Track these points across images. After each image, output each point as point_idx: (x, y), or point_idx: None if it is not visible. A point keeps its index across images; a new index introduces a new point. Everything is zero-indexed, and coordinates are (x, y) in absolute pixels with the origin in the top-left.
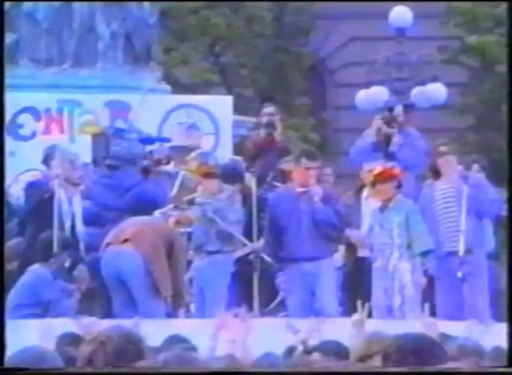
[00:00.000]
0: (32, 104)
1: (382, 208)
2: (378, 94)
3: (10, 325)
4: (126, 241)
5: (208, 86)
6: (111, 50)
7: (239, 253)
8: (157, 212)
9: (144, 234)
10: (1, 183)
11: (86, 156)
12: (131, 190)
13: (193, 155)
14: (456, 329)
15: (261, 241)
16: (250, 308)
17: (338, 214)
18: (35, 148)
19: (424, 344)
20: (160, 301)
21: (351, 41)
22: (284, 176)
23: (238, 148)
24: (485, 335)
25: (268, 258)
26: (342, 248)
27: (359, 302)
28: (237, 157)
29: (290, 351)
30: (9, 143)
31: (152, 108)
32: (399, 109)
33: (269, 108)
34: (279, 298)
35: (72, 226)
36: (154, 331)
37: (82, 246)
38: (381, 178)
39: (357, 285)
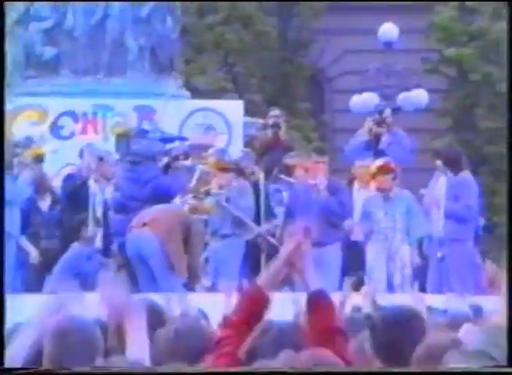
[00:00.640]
0: (71, 108)
1: (385, 198)
2: (369, 99)
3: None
4: (144, 225)
5: (222, 92)
6: (138, 61)
7: (248, 236)
8: (177, 201)
9: (161, 220)
10: (1, 183)
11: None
12: (150, 183)
13: (210, 152)
14: (439, 302)
15: (267, 226)
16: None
17: (342, 204)
18: (73, 146)
19: (407, 314)
20: (177, 278)
21: (346, 53)
22: (288, 170)
23: (248, 146)
24: (462, 306)
25: (273, 241)
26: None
27: (366, 277)
28: (248, 149)
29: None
30: (52, 142)
31: (174, 111)
32: (387, 112)
33: (275, 112)
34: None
35: (104, 213)
36: (172, 304)
37: (112, 229)
38: (382, 170)
39: (352, 266)
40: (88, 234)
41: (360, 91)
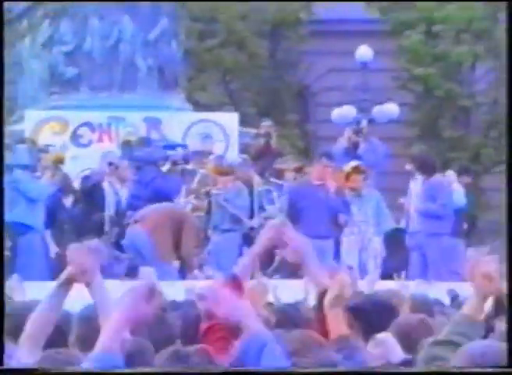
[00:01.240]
0: (89, 120)
1: (359, 195)
2: (348, 111)
3: None
4: (136, 222)
5: (220, 106)
6: (147, 79)
7: (244, 230)
8: (182, 201)
9: (150, 216)
10: (1, 183)
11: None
12: (150, 184)
13: (210, 158)
14: (408, 286)
15: (258, 220)
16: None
17: (345, 204)
18: (91, 153)
19: (383, 299)
20: (168, 265)
21: (328, 72)
22: (278, 173)
23: (243, 153)
24: (429, 290)
25: None
26: None
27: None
28: (243, 155)
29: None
30: (72, 149)
31: (178, 122)
32: (364, 123)
33: (266, 123)
34: (274, 264)
35: (117, 211)
36: (172, 290)
37: (124, 226)
38: (355, 171)
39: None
40: (105, 230)
41: (340, 104)
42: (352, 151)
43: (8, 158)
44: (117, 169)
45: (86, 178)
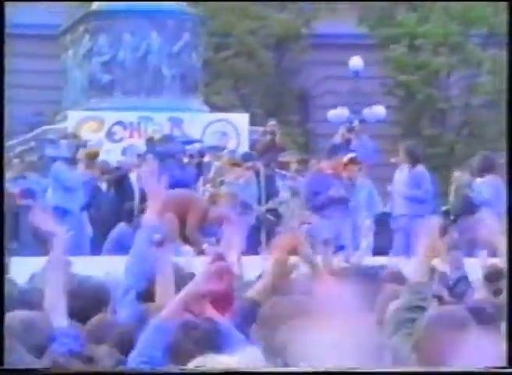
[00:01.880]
0: (121, 119)
1: (353, 183)
2: (342, 112)
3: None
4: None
5: (233, 107)
6: (171, 85)
7: (253, 214)
8: (200, 188)
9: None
10: (1, 183)
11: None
12: (170, 175)
13: (224, 152)
14: (391, 261)
15: (266, 206)
16: (260, 248)
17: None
18: (123, 148)
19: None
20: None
21: (326, 78)
22: (282, 165)
23: (252, 148)
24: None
25: (271, 218)
26: None
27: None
28: (252, 152)
29: None
30: (107, 144)
31: (197, 121)
32: (355, 123)
33: (272, 122)
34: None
35: (143, 198)
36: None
37: None
38: (351, 161)
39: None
40: (133, 216)
41: (335, 106)
42: (345, 147)
43: (52, 151)
44: (144, 160)
45: (116, 169)
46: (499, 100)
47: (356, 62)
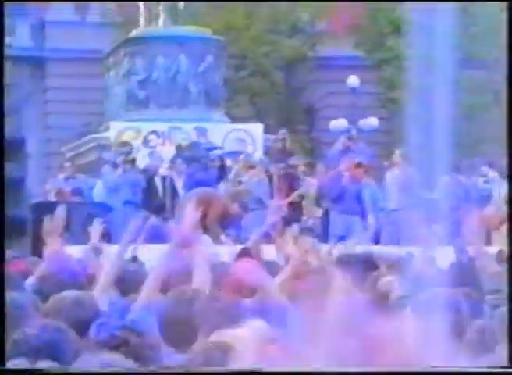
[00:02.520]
0: (155, 129)
1: (360, 183)
2: (342, 123)
3: None
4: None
5: (249, 119)
6: (197, 99)
7: (266, 209)
8: (222, 187)
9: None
10: (1, 183)
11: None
12: (194, 176)
13: (242, 156)
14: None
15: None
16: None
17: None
18: (156, 153)
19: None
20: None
21: (328, 94)
22: (291, 168)
23: (266, 153)
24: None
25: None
26: None
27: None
28: (265, 156)
29: None
30: (143, 151)
31: (219, 131)
32: (353, 132)
33: (283, 131)
34: None
35: (173, 197)
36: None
37: None
38: (359, 165)
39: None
40: (164, 211)
41: (336, 118)
42: (345, 153)
43: (107, 155)
44: (174, 164)
45: (144, 171)
46: (475, 113)
47: (353, 80)
